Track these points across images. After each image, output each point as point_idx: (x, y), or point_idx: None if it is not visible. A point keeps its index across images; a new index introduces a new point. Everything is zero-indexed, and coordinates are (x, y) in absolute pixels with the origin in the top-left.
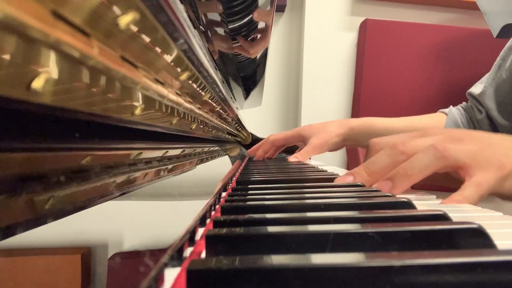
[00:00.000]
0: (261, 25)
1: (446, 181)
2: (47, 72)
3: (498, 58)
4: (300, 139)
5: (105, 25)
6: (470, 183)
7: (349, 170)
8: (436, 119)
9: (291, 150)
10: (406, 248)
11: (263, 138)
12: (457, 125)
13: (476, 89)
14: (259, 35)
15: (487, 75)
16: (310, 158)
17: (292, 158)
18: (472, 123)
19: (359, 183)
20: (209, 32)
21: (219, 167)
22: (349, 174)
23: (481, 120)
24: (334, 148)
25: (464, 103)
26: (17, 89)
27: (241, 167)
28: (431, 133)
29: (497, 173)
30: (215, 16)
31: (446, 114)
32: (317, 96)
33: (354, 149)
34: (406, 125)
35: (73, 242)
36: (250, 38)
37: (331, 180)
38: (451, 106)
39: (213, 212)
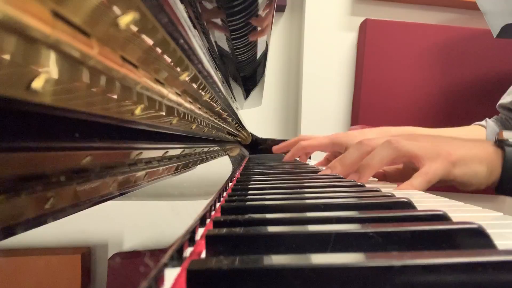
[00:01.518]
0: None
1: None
2: (47, 72)
3: None
4: (336, 147)
5: (105, 25)
6: (418, 173)
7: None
8: (475, 131)
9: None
10: (406, 248)
11: (263, 138)
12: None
13: (505, 100)
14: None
15: None
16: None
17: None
18: None
19: (359, 183)
20: (209, 31)
21: (219, 167)
22: (327, 167)
23: None
24: None
25: (496, 116)
26: (17, 89)
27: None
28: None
29: (444, 161)
30: (215, 16)
31: (483, 126)
32: (317, 96)
33: None
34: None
35: (73, 242)
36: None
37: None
38: (487, 118)
39: (213, 212)
